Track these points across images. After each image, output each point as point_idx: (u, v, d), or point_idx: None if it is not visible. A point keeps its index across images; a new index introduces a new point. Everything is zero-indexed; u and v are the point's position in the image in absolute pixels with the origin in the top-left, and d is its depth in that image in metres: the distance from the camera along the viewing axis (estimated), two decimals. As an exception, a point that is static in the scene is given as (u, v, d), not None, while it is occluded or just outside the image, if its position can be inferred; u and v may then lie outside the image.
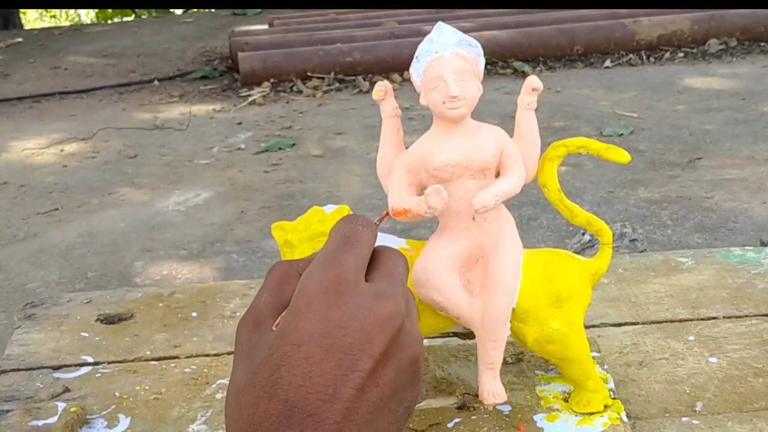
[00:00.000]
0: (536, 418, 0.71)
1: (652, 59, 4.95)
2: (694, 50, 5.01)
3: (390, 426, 0.50)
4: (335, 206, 0.69)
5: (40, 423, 0.75)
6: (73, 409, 0.76)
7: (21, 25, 8.09)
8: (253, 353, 0.50)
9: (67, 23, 9.98)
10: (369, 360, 0.48)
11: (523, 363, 0.79)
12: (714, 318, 0.88)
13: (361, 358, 0.48)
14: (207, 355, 0.87)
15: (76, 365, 0.86)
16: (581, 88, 4.48)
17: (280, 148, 3.84)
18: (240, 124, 4.25)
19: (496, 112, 3.49)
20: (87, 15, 10.34)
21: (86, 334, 0.91)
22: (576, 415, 0.71)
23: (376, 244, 0.55)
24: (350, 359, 0.48)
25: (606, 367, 0.77)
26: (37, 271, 2.82)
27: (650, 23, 5.09)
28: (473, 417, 0.72)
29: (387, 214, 0.64)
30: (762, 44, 5.05)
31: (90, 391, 0.81)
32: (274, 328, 0.51)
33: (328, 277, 0.50)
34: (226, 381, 0.82)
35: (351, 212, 0.69)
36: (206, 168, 3.69)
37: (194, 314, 0.94)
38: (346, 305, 0.49)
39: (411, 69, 0.65)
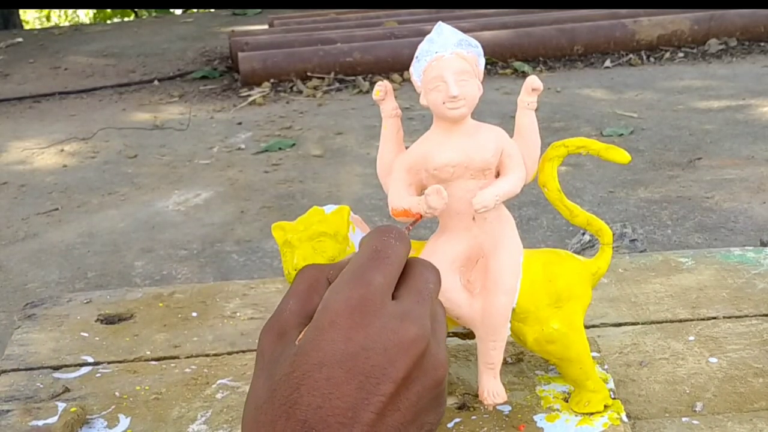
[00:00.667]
0: (536, 418, 0.71)
1: (652, 59, 4.95)
2: (694, 50, 5.01)
3: None
4: (335, 206, 0.69)
5: (40, 423, 0.75)
6: (73, 409, 0.76)
7: (21, 25, 8.09)
8: (274, 367, 0.49)
9: (67, 23, 9.97)
10: (391, 384, 0.47)
11: (523, 363, 0.79)
12: (714, 318, 0.88)
13: (383, 382, 0.47)
14: (207, 355, 0.87)
15: (76, 365, 0.86)
16: (581, 88, 4.48)
17: (280, 148, 3.84)
18: (240, 124, 4.25)
19: (496, 112, 3.49)
20: (86, 15, 10.34)
21: (86, 334, 0.91)
22: (576, 415, 0.71)
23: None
24: (372, 383, 0.47)
25: (606, 367, 0.77)
26: (37, 271, 2.82)
27: (650, 23, 5.09)
28: (473, 417, 0.72)
29: (420, 218, 0.64)
30: (762, 44, 5.06)
31: (90, 391, 0.81)
32: (296, 344, 0.49)
33: (354, 297, 0.49)
34: (226, 381, 0.82)
35: (351, 212, 0.69)
36: (206, 168, 3.69)
37: (194, 314, 0.94)
38: (370, 326, 0.48)
39: (411, 69, 0.65)
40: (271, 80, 4.80)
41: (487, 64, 0.68)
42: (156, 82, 5.14)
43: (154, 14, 9.14)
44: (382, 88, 0.66)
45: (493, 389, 0.69)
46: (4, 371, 0.85)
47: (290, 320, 0.51)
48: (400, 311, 0.49)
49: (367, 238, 0.53)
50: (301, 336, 0.50)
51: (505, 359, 0.77)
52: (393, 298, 0.51)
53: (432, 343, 0.50)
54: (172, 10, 9.09)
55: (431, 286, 0.52)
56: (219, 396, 0.79)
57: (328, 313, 0.49)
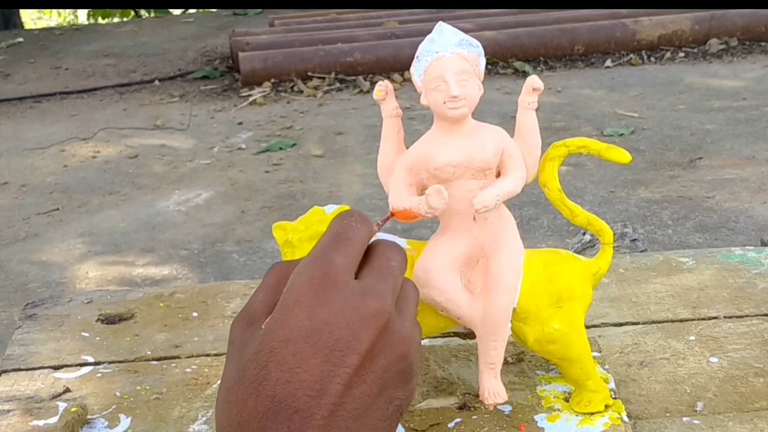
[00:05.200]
0: (537, 418, 0.71)
1: (652, 59, 4.95)
2: (695, 50, 5.01)
3: (379, 423, 0.50)
4: (336, 206, 0.69)
5: (41, 423, 0.75)
6: (73, 409, 0.76)
7: (21, 25, 8.09)
8: (243, 350, 0.51)
9: (66, 23, 9.97)
10: (355, 356, 0.49)
11: (524, 363, 0.79)
12: (715, 318, 0.88)
13: (348, 354, 0.49)
14: (208, 355, 0.87)
15: (76, 365, 0.86)
16: (582, 88, 4.48)
17: (280, 148, 3.84)
18: (241, 124, 4.25)
19: (497, 112, 3.49)
20: (86, 14, 10.33)
21: (87, 334, 0.91)
22: (577, 415, 0.71)
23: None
24: (336, 355, 0.49)
25: (607, 366, 0.77)
26: (38, 271, 2.82)
27: (651, 23, 5.09)
28: (474, 417, 0.72)
29: (392, 215, 0.65)
30: (763, 44, 5.05)
31: (91, 391, 0.81)
32: (263, 327, 0.51)
33: (317, 276, 0.51)
34: (226, 381, 0.82)
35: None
36: (207, 168, 3.69)
37: (195, 314, 0.94)
38: (333, 303, 0.50)
39: (412, 69, 0.65)
40: (272, 80, 4.81)
41: (487, 64, 0.68)
42: (156, 82, 5.14)
43: (154, 14, 9.13)
44: (383, 87, 0.66)
45: (493, 389, 0.69)
46: (5, 371, 0.85)
47: (259, 309, 0.53)
48: (362, 288, 0.51)
49: (331, 223, 0.55)
50: (267, 320, 0.51)
51: (505, 359, 0.77)
52: (356, 277, 0.53)
53: (395, 318, 0.52)
54: (172, 10, 9.08)
55: (393, 264, 0.54)
56: (220, 396, 0.79)
57: (293, 293, 0.51)
